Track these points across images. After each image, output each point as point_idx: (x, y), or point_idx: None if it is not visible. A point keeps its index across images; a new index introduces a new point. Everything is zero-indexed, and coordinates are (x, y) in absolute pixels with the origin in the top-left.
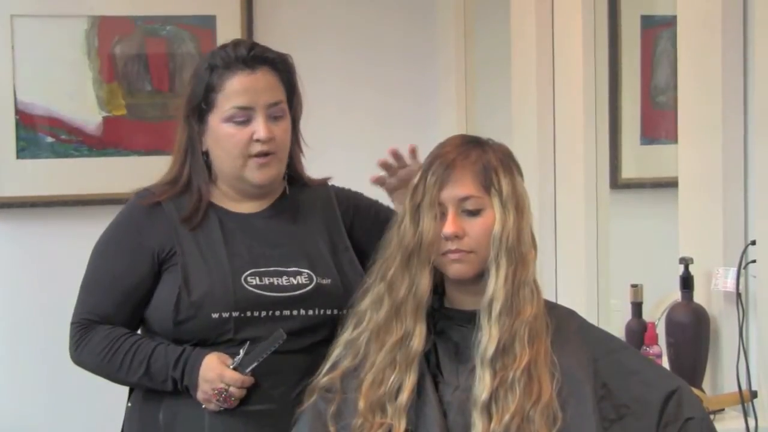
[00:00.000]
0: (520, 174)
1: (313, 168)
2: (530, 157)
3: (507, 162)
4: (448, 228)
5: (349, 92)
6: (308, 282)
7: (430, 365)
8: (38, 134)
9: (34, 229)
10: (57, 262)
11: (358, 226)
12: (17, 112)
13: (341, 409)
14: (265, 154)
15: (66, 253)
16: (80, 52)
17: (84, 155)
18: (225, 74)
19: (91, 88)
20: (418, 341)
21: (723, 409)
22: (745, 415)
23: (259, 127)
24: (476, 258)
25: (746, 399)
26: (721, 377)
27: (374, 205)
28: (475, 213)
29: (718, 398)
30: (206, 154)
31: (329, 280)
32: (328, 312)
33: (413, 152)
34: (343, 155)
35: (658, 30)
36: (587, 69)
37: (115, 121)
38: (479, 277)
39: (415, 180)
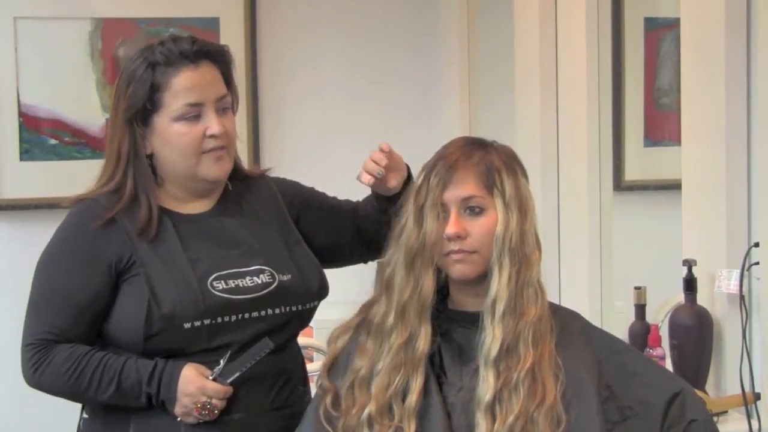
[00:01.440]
0: (525, 175)
1: (315, 159)
2: (533, 160)
3: (510, 163)
4: (450, 228)
5: (353, 88)
6: (271, 280)
7: (434, 366)
8: (41, 136)
9: (37, 231)
10: None
11: (305, 219)
12: (20, 114)
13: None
14: (219, 148)
15: None
16: (83, 54)
17: (87, 157)
18: (169, 71)
19: (95, 90)
20: (423, 342)
21: (726, 411)
22: (749, 417)
23: (211, 123)
24: (479, 258)
25: (749, 401)
26: (725, 379)
27: (317, 195)
28: (477, 213)
29: (722, 400)
30: (150, 156)
31: (289, 276)
32: (293, 309)
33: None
34: (347, 147)
35: (662, 32)
36: (591, 71)
37: None
38: (483, 278)
39: (419, 181)
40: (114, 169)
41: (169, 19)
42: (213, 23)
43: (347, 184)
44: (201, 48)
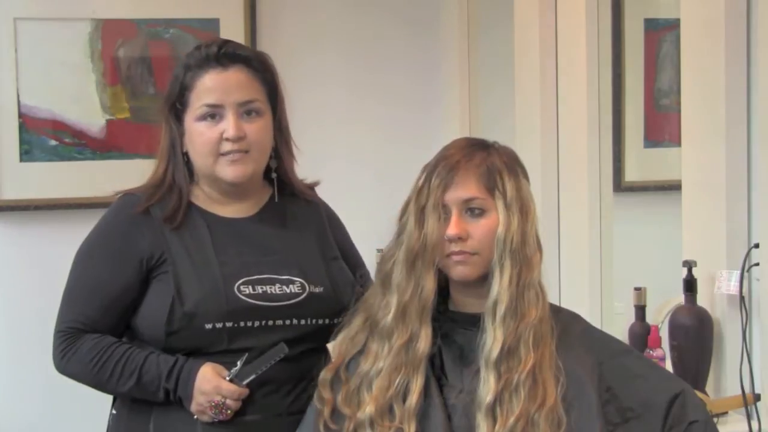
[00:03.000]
0: (526, 177)
1: (316, 176)
2: (534, 161)
3: (512, 164)
4: (452, 230)
5: (353, 100)
6: (301, 291)
7: (435, 368)
8: (41, 137)
9: (37, 232)
10: (60, 266)
11: None
12: (20, 115)
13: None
14: (236, 152)
15: (68, 257)
16: (84, 55)
17: (87, 158)
18: (198, 73)
19: (95, 91)
20: (424, 344)
21: (726, 413)
22: (749, 418)
23: (228, 126)
24: (480, 260)
25: (750, 402)
26: (725, 380)
27: (352, 246)
28: (478, 215)
29: (722, 401)
30: (186, 155)
31: (321, 289)
32: (320, 321)
33: None
34: (346, 163)
35: (662, 33)
36: (591, 72)
37: (118, 124)
38: (483, 280)
39: (420, 182)
40: (159, 163)
41: (169, 20)
42: (213, 24)
43: (345, 199)
44: (230, 51)
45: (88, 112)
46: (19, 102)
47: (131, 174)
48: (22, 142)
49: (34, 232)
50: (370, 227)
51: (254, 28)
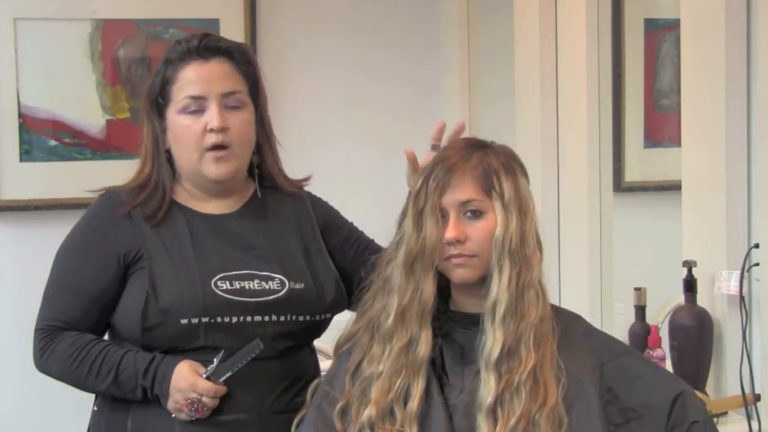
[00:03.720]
0: (525, 175)
1: (316, 160)
2: (534, 160)
3: (509, 164)
4: (450, 233)
5: (353, 89)
6: (280, 287)
7: (436, 367)
8: (41, 137)
9: (37, 232)
10: None
11: (326, 242)
12: (20, 115)
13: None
14: (221, 147)
15: None
16: (84, 55)
17: (87, 158)
18: (179, 66)
19: (95, 91)
20: (424, 347)
21: (726, 413)
22: (749, 418)
23: (212, 117)
24: (479, 262)
25: (750, 402)
26: (725, 380)
27: (347, 226)
28: (476, 216)
29: (722, 401)
30: (168, 151)
31: (302, 285)
32: (301, 318)
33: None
34: (347, 149)
35: (662, 33)
36: (591, 72)
37: (118, 124)
38: (484, 281)
39: (418, 185)
40: (143, 163)
41: (168, 21)
42: (213, 24)
43: (347, 185)
44: (211, 44)
45: (88, 112)
46: (19, 102)
47: (131, 174)
48: (22, 142)
49: (34, 232)
50: (371, 206)
51: (254, 29)
